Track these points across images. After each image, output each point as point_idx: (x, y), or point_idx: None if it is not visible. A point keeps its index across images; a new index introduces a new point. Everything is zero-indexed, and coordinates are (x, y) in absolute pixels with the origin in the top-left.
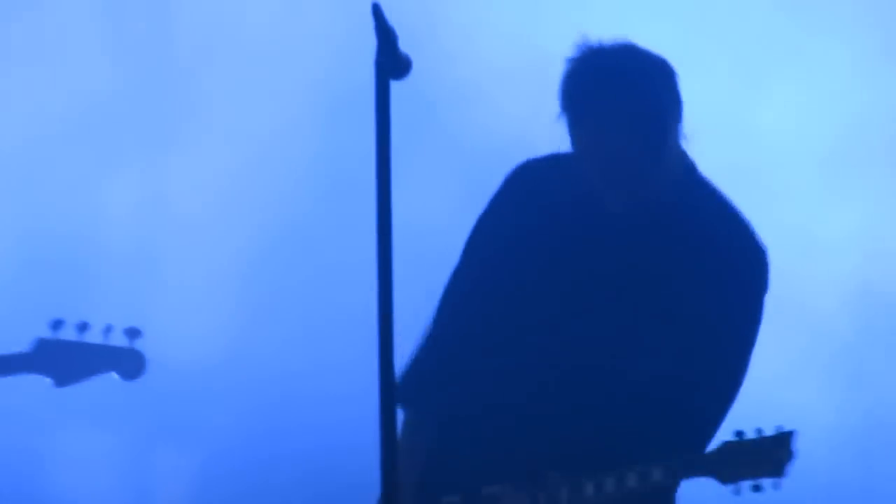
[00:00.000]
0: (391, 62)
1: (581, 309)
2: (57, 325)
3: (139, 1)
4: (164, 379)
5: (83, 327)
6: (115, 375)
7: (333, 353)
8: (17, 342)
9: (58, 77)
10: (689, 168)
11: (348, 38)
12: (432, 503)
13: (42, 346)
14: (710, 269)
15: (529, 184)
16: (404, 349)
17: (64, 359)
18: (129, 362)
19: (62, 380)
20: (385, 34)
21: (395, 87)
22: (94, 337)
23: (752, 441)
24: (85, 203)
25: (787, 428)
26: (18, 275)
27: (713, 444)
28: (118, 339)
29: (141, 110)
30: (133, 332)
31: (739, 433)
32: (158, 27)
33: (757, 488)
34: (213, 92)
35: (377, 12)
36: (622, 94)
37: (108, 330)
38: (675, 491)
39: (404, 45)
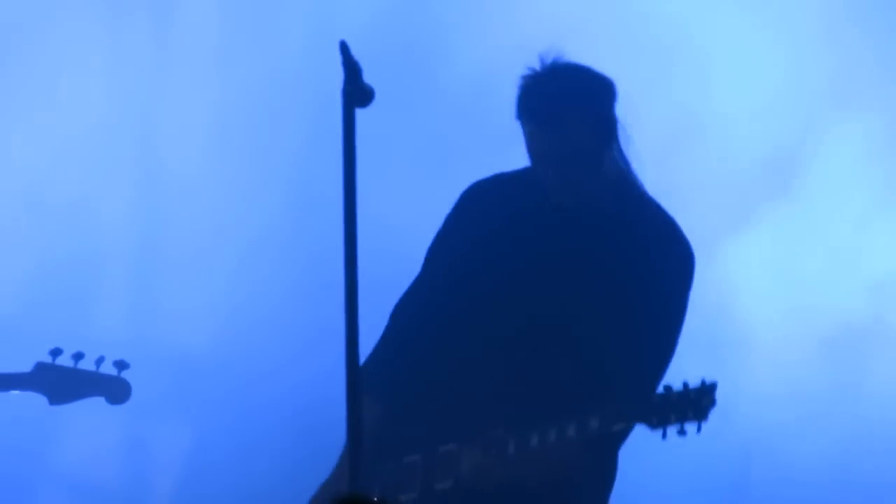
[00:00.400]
0: (356, 92)
1: (530, 295)
2: (56, 352)
3: (139, 31)
4: (159, 364)
5: (78, 356)
6: (103, 400)
7: (319, 341)
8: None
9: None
10: (627, 177)
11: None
12: (393, 461)
13: (41, 369)
14: (643, 258)
15: (479, 201)
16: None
17: (59, 382)
18: (116, 389)
19: (56, 399)
20: (351, 67)
21: None
22: (87, 365)
23: (679, 392)
24: (82, 215)
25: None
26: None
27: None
28: (108, 369)
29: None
30: (121, 364)
31: (667, 387)
32: (155, 49)
33: (682, 432)
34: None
35: (344, 48)
36: (572, 105)
37: (100, 360)
38: (619, 444)
39: None
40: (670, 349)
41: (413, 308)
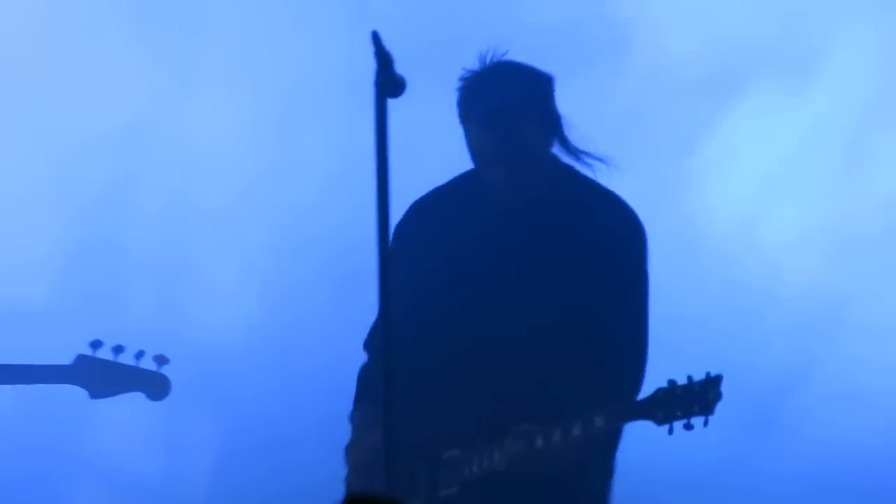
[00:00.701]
0: (388, 82)
1: (496, 296)
2: (96, 344)
3: (169, 27)
4: (192, 354)
5: (119, 350)
6: (142, 395)
7: (352, 331)
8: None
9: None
10: (572, 169)
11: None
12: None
13: (82, 361)
14: (598, 243)
15: (423, 221)
16: None
17: (100, 375)
18: (156, 385)
19: (96, 393)
20: (383, 58)
21: None
22: (127, 358)
23: (683, 386)
24: (116, 207)
25: (715, 373)
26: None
27: (647, 393)
28: (148, 364)
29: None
30: (161, 359)
31: (671, 381)
32: (186, 43)
33: (688, 427)
34: (231, 92)
35: (376, 38)
36: (515, 103)
37: (139, 354)
38: (617, 440)
39: None
40: (644, 320)
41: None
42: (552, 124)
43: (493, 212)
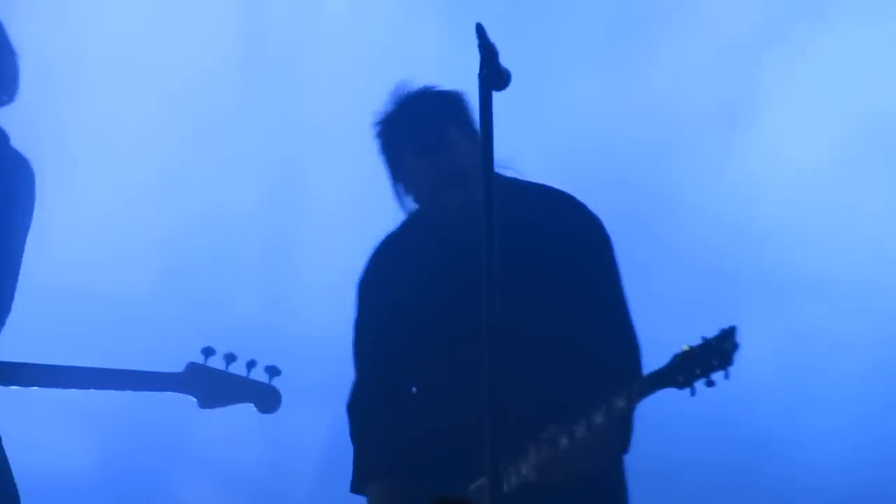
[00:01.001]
0: (493, 76)
1: (470, 313)
2: (208, 352)
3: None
4: (296, 350)
5: (230, 358)
6: (252, 407)
7: None
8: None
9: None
10: (505, 178)
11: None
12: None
13: (193, 370)
14: (561, 236)
15: (389, 249)
16: None
17: (211, 385)
18: (267, 398)
19: (206, 403)
20: (487, 50)
21: None
22: (238, 368)
23: (698, 346)
24: (218, 203)
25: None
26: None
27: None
28: (259, 375)
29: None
30: (273, 371)
31: (687, 346)
32: (287, 38)
33: (710, 383)
34: (328, 88)
35: (480, 31)
36: (445, 125)
37: (251, 364)
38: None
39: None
40: (624, 304)
41: (368, 350)
42: (475, 139)
43: (458, 235)
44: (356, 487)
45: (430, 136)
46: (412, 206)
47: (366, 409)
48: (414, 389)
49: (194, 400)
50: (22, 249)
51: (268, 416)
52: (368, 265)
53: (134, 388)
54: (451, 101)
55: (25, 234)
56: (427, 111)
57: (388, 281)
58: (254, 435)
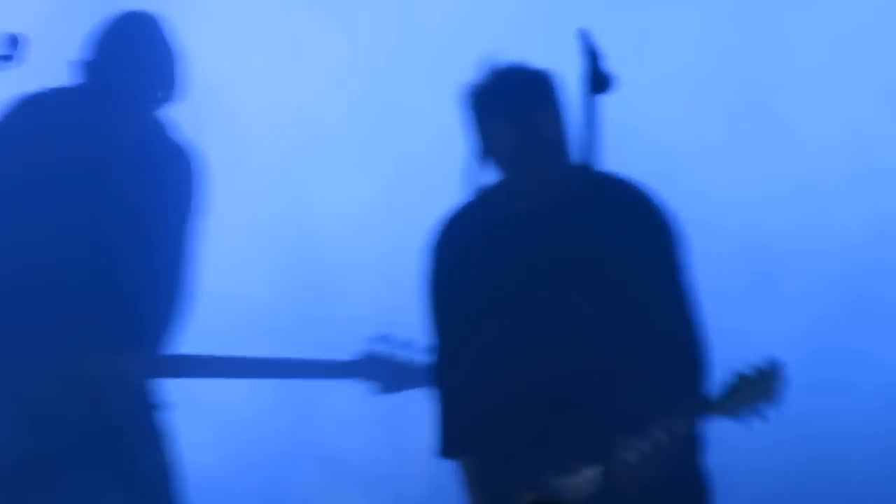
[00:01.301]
0: (597, 79)
1: (546, 309)
2: (384, 339)
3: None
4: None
5: (407, 344)
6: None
7: None
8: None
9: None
10: (583, 164)
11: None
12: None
13: (369, 357)
14: (627, 229)
15: (457, 231)
16: None
17: (389, 371)
18: None
19: (388, 388)
20: (591, 54)
21: None
22: (416, 354)
23: (751, 376)
24: (333, 202)
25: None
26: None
27: (717, 389)
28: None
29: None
30: None
31: (738, 373)
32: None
33: (762, 418)
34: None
35: (585, 36)
36: (540, 100)
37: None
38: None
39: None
40: (690, 301)
41: (453, 337)
42: (566, 119)
43: (542, 206)
44: (450, 452)
45: (524, 105)
46: (484, 180)
47: (457, 373)
48: (501, 359)
49: (375, 386)
50: (183, 239)
51: (386, 407)
52: (445, 233)
53: (312, 376)
54: (543, 77)
55: (185, 223)
56: (521, 82)
57: (474, 249)
58: (370, 425)
